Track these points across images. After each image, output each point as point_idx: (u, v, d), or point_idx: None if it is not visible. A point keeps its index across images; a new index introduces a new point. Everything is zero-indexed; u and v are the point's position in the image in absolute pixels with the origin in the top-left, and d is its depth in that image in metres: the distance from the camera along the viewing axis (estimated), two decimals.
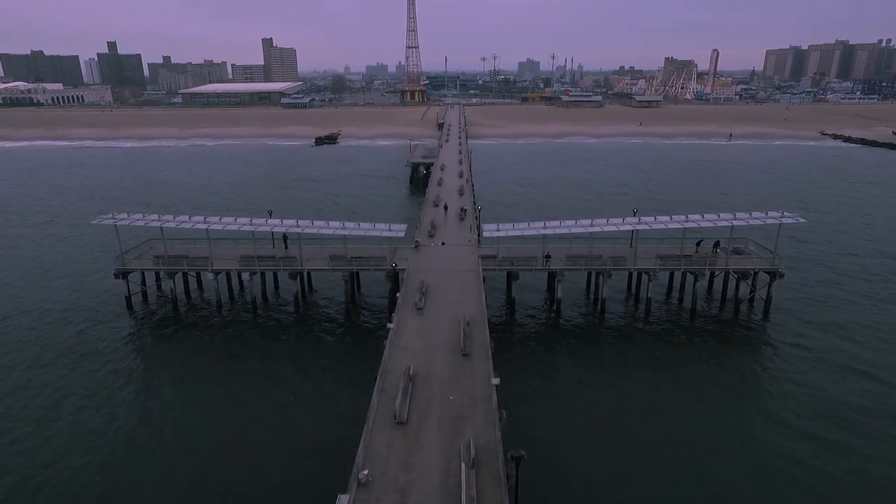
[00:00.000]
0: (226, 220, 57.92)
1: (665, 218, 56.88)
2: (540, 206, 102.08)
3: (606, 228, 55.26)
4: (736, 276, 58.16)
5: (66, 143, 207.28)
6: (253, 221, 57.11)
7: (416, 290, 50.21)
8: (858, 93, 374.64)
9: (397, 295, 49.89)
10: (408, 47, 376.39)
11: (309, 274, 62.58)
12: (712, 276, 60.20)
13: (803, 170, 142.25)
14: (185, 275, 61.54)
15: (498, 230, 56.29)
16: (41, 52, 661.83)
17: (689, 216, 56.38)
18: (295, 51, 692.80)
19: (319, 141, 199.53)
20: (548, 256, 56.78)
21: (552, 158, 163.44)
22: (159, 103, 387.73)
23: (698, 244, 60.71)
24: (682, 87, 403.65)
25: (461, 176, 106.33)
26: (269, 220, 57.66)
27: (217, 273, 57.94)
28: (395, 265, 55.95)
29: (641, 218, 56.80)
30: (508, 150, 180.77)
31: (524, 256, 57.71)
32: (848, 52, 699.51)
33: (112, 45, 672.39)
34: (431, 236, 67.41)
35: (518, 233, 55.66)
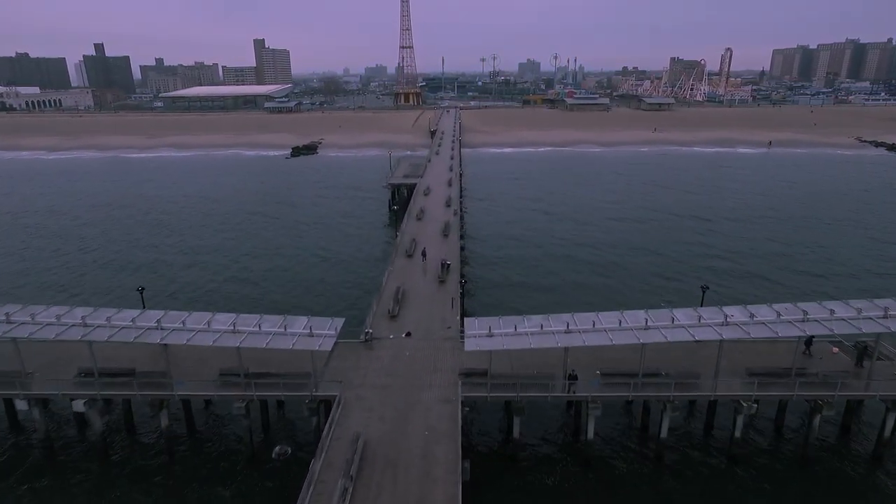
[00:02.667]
0: (35, 308, 35.79)
1: (766, 311, 34.47)
2: (552, 246, 79.65)
3: (672, 335, 32.78)
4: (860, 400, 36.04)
5: (13, 153, 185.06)
6: (87, 321, 34.68)
7: (342, 459, 28.14)
8: (883, 94, 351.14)
9: (311, 466, 28.00)
10: (402, 47, 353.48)
11: (206, 401, 40.43)
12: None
13: (861, 186, 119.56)
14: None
15: (490, 335, 33.89)
16: (26, 54, 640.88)
17: (807, 314, 33.88)
18: (288, 52, 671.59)
19: (296, 151, 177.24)
20: (573, 376, 34.55)
21: (560, 172, 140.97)
22: (139, 108, 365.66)
23: (809, 344, 38.45)
24: (691, 89, 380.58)
25: (448, 205, 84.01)
26: (116, 317, 35.18)
27: (34, 401, 35.74)
28: (314, 395, 33.82)
29: (729, 315, 34.21)
30: (509, 162, 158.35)
31: (533, 376, 35.39)
32: (859, 51, 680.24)
33: (99, 47, 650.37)
34: (393, 318, 45.16)
35: (522, 344, 33.15)
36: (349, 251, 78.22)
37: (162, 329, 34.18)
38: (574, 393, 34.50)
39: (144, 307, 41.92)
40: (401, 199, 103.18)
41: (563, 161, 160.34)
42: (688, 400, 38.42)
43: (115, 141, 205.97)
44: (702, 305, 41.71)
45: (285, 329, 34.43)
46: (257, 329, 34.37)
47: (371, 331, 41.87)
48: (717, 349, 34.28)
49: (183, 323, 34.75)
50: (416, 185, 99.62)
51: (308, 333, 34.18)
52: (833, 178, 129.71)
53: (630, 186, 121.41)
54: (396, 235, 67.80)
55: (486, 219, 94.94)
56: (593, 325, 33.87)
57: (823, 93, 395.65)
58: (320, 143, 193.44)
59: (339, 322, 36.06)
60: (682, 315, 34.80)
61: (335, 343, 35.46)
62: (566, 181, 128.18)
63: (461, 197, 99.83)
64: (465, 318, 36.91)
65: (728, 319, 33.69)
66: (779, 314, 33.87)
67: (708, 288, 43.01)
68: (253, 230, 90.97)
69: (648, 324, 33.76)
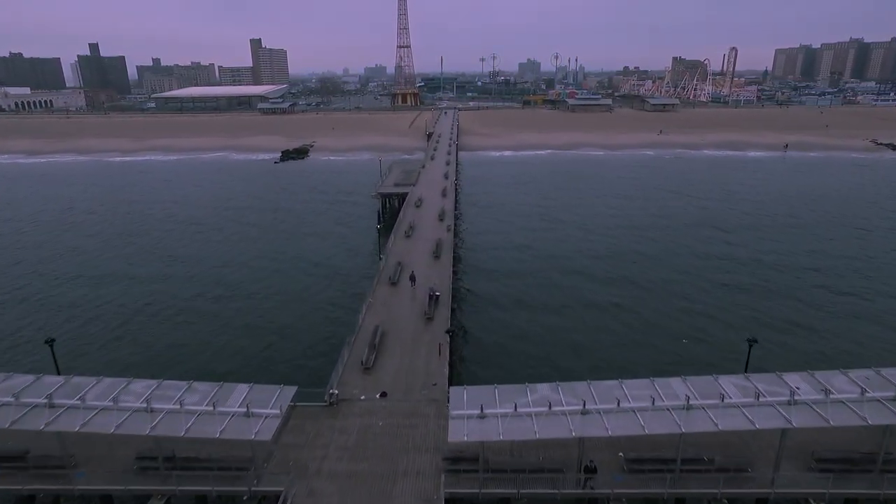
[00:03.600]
0: None
1: (842, 382, 26.47)
2: (558, 259, 71.40)
3: (724, 420, 24.76)
4: None
5: None
6: None
7: None
8: (892, 94, 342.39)
9: None
10: (399, 47, 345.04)
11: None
12: None
13: (886, 193, 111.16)
14: None
15: (482, 416, 25.84)
16: (20, 54, 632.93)
17: None
18: (285, 52, 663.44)
19: (286, 155, 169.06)
20: (590, 468, 26.52)
21: (564, 177, 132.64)
22: (131, 109, 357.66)
23: None
24: (694, 89, 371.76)
25: (441, 219, 76.01)
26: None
27: None
28: (254, 490, 25.79)
29: (794, 388, 26.14)
30: (509, 166, 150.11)
31: (538, 465, 27.36)
32: (863, 50, 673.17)
33: (94, 47, 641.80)
34: (367, 370, 37.20)
35: (524, 433, 25.07)
36: (335, 266, 69.90)
37: (52, 407, 26.21)
38: (592, 489, 26.47)
39: (57, 366, 33.92)
40: (391, 210, 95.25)
41: (565, 165, 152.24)
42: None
43: (100, 144, 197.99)
44: (748, 364, 33.67)
45: (214, 407, 26.38)
46: (178, 407, 26.32)
47: (337, 392, 33.84)
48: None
49: (82, 398, 26.71)
50: (407, 194, 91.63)
51: (244, 413, 26.16)
52: (855, 185, 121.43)
53: (639, 192, 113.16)
54: (380, 258, 59.61)
55: (484, 228, 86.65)
56: (618, 403, 25.80)
57: (829, 93, 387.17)
58: (312, 146, 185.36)
59: (289, 392, 28.13)
60: (733, 388, 26.76)
61: (286, 416, 27.65)
62: (570, 187, 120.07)
63: (456, 207, 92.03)
64: (451, 388, 28.84)
65: (795, 396, 25.61)
66: (863, 390, 25.79)
67: (756, 342, 34.25)
68: (231, 241, 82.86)
69: (690, 402, 25.71)
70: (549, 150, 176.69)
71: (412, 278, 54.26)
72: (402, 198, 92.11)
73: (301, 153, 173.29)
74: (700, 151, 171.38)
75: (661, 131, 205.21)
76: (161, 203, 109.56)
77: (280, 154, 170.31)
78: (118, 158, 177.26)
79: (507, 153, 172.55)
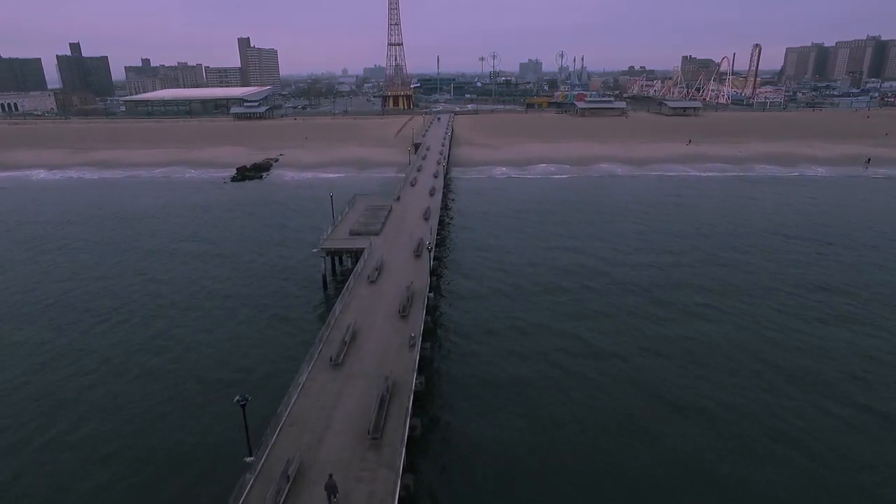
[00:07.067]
0: None
1: None
2: (607, 382, 40.87)
3: None
4: None
5: None
6: None
7: None
8: None
9: None
10: (390, 44, 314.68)
11: None
12: None
13: None
14: None
15: None
16: None
17: None
18: (276, 52, 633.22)
19: (240, 173, 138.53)
20: None
21: (588, 209, 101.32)
22: (95, 112, 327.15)
23: None
24: (712, 90, 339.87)
25: (404, 315, 45.15)
26: None
27: None
28: None
29: None
30: (514, 191, 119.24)
31: None
32: (880, 48, 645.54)
33: (75, 47, 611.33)
34: None
35: None
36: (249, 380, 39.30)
37: None
38: None
39: None
40: (342, 275, 64.75)
41: (586, 189, 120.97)
42: None
43: (28, 157, 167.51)
44: None
45: None
46: None
47: None
48: None
49: None
50: (364, 250, 60.88)
51: None
52: None
53: (697, 235, 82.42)
54: (252, 449, 28.24)
55: (477, 319, 55.55)
56: None
57: (854, 93, 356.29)
58: (277, 160, 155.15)
59: None
60: None
61: None
62: (595, 226, 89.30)
63: (436, 273, 61.42)
64: None
65: None
66: None
67: None
68: (99, 321, 52.48)
69: None
70: (560, 166, 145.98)
71: (330, 490, 24.61)
72: (358, 255, 61.47)
73: (261, 170, 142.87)
74: (749, 167, 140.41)
75: (689, 141, 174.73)
76: (33, 248, 79.02)
77: (235, 172, 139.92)
78: (42, 175, 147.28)
79: (510, 171, 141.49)
